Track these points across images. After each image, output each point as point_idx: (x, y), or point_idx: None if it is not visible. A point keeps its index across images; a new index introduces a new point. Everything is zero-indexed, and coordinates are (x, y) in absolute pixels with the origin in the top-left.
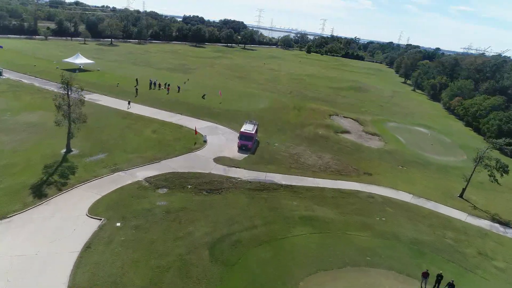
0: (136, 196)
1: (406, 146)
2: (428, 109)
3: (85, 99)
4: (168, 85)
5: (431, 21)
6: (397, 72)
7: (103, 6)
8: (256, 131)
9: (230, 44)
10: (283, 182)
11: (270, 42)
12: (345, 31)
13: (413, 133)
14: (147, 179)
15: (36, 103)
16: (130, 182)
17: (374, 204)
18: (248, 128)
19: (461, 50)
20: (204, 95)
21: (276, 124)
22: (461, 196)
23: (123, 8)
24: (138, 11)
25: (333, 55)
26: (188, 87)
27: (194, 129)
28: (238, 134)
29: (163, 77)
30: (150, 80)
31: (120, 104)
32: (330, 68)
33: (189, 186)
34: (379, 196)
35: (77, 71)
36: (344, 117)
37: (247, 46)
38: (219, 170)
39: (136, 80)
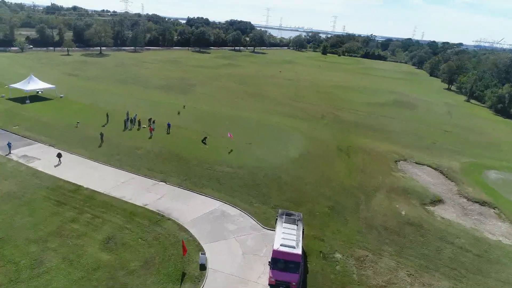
0: None
1: None
2: (507, 133)
3: (15, 160)
4: (153, 121)
5: (437, 14)
6: (431, 74)
7: (102, 11)
8: (303, 237)
9: (238, 48)
10: None
11: (281, 43)
12: (352, 28)
13: None
14: None
15: None
16: None
17: None
18: (287, 237)
19: (473, 43)
20: (205, 138)
21: (323, 195)
22: None
23: (123, 11)
24: (138, 15)
25: (351, 56)
26: (183, 120)
27: (182, 244)
28: (270, 257)
29: (151, 102)
30: (127, 116)
31: (66, 167)
32: (355, 73)
33: None
34: None
35: (28, 101)
36: (416, 163)
37: (257, 49)
38: None
39: (107, 115)
